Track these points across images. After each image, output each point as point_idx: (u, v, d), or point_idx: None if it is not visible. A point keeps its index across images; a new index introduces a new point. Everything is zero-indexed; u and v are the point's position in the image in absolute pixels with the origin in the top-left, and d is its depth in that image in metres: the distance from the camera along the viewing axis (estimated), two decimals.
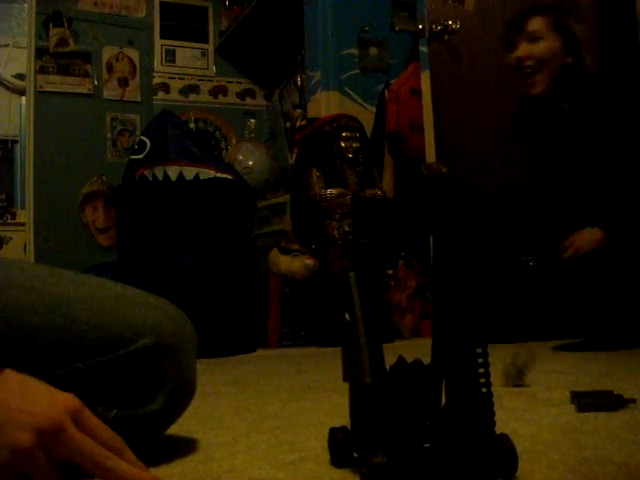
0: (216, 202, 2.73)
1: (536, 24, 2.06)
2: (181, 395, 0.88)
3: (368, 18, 3.50)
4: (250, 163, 3.96)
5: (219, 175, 2.74)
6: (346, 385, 0.81)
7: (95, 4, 4.27)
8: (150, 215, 2.70)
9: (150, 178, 2.68)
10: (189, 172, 2.68)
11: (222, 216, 2.74)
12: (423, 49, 2.78)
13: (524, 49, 2.04)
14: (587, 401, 1.11)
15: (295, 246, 3.09)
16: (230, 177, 2.79)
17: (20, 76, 6.29)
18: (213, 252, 2.69)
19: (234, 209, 2.81)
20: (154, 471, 0.83)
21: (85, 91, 4.22)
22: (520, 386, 1.36)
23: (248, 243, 2.89)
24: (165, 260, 2.65)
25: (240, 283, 2.77)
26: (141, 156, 2.72)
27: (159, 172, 2.67)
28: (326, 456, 0.84)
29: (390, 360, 0.73)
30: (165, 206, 2.68)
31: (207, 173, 2.71)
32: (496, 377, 0.77)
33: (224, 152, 4.36)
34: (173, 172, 2.67)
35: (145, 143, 2.74)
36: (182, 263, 2.64)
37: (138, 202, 2.74)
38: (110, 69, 4.31)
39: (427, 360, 0.74)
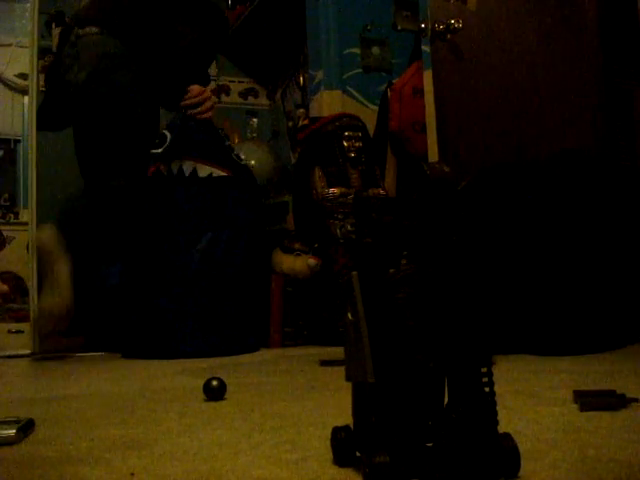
0: (226, 200, 2.73)
1: None
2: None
3: (370, 17, 3.49)
4: (252, 162, 3.96)
5: (231, 175, 2.75)
6: (349, 384, 0.81)
7: None
8: (157, 212, 2.70)
9: (165, 173, 2.68)
10: (203, 170, 2.68)
11: (230, 215, 2.74)
12: (425, 48, 2.77)
13: None
14: (590, 400, 1.11)
15: (297, 245, 3.10)
16: (242, 177, 2.80)
17: (23, 75, 6.30)
18: (219, 251, 2.68)
19: (243, 208, 2.80)
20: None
21: None
22: None
23: (254, 243, 2.88)
24: (171, 257, 2.65)
25: (244, 282, 2.77)
26: (160, 150, 2.71)
27: (175, 167, 2.68)
28: (329, 455, 0.84)
29: None
30: (172, 203, 2.68)
31: (221, 174, 2.71)
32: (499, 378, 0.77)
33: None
34: (188, 168, 2.67)
35: (165, 137, 2.74)
36: (188, 261, 2.64)
37: (148, 197, 2.73)
38: None
39: None
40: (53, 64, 3.09)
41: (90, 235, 3.05)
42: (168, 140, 2.72)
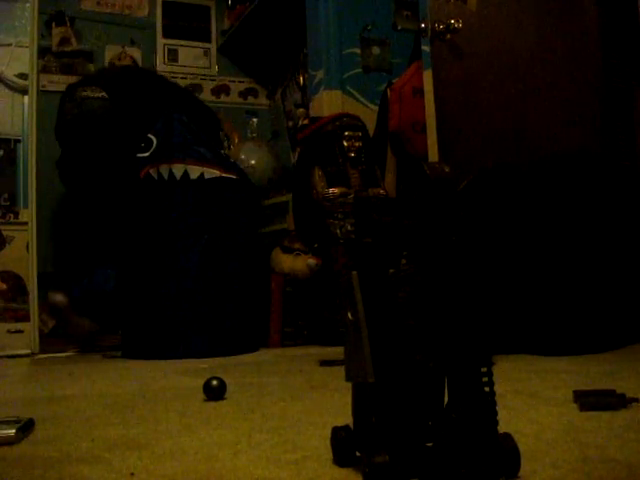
0: (221, 202, 2.73)
1: None
2: None
3: (370, 17, 3.49)
4: (252, 162, 3.96)
5: (224, 175, 2.74)
6: (349, 384, 0.81)
7: (98, 3, 4.27)
8: (154, 214, 2.70)
9: (155, 177, 2.67)
10: (194, 171, 2.68)
11: (226, 216, 2.74)
12: (425, 48, 2.77)
13: None
14: (590, 400, 1.11)
15: (297, 245, 3.10)
16: (235, 177, 2.79)
17: (23, 75, 6.30)
18: (217, 252, 2.68)
19: (238, 209, 2.80)
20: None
21: None
22: None
23: (252, 243, 2.89)
24: (169, 259, 2.65)
25: (243, 283, 2.77)
26: (147, 154, 2.71)
27: (164, 170, 2.66)
28: (329, 455, 0.84)
29: None
30: (169, 205, 2.68)
31: (212, 173, 2.70)
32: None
33: (226, 151, 4.36)
34: (178, 170, 2.67)
35: (152, 141, 2.73)
36: (186, 262, 2.64)
37: (142, 201, 2.74)
38: None
39: None
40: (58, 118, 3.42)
41: (85, 237, 3.16)
42: (155, 144, 2.72)
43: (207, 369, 2.13)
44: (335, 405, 1.28)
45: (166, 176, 2.66)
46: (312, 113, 3.43)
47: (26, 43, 4.54)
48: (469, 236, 0.73)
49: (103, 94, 3.21)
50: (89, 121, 3.14)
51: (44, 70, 4.08)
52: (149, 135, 2.77)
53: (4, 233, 6.59)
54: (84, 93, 3.28)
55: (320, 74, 3.42)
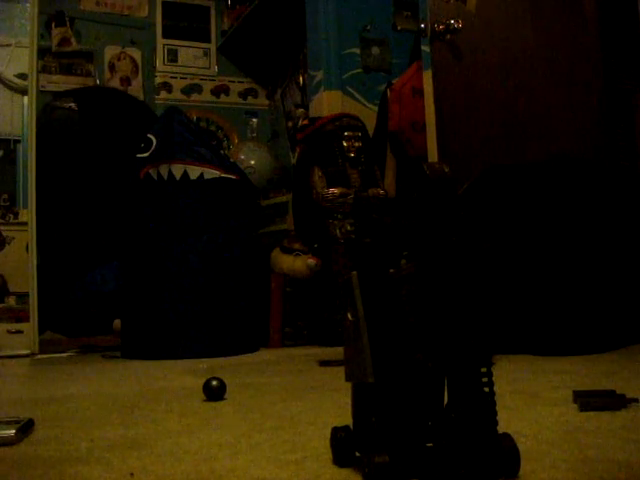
0: (220, 202, 2.73)
1: None
2: None
3: (370, 17, 3.49)
4: (252, 162, 3.96)
5: (224, 175, 2.73)
6: (348, 385, 0.81)
7: (97, 4, 4.27)
8: (154, 214, 2.70)
9: (155, 177, 2.67)
10: (194, 171, 2.68)
11: (226, 216, 2.74)
12: (425, 48, 2.77)
13: None
14: (589, 401, 1.11)
15: (297, 245, 3.09)
16: (235, 177, 2.79)
17: (22, 76, 6.31)
18: (216, 252, 2.68)
19: (238, 209, 2.80)
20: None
21: None
22: None
23: (251, 243, 2.89)
24: (168, 260, 2.65)
25: (243, 283, 2.77)
26: (147, 154, 2.71)
27: (164, 170, 2.66)
28: (328, 455, 0.84)
29: None
30: (169, 206, 2.68)
31: (212, 173, 2.70)
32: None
33: (226, 152, 4.36)
34: (178, 171, 2.66)
35: (151, 141, 2.73)
36: (186, 263, 2.64)
37: (142, 201, 2.74)
38: (112, 69, 4.30)
39: None
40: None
41: (85, 238, 3.19)
42: (154, 144, 2.71)
43: (207, 369, 2.13)
44: (335, 405, 1.28)
45: (166, 176, 2.66)
46: (312, 113, 3.43)
47: (26, 43, 4.54)
48: (469, 236, 0.73)
49: (72, 105, 3.49)
50: (54, 129, 3.33)
51: (44, 70, 4.08)
52: (149, 135, 2.77)
53: (4, 233, 6.60)
54: (56, 102, 3.53)
55: (320, 74, 3.42)
